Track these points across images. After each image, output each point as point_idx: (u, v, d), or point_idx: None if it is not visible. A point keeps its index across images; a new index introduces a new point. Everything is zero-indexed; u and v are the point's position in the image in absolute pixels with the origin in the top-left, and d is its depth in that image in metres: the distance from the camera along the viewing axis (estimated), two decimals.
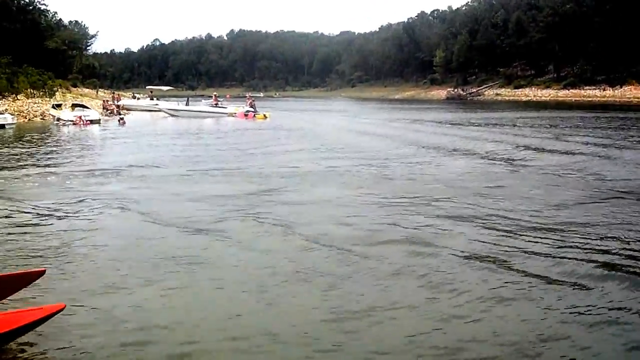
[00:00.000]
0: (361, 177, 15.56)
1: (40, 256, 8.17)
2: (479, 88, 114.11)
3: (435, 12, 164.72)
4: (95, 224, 10.20)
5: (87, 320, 6.10)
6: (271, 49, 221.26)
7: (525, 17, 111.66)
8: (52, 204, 11.78)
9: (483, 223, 10.07)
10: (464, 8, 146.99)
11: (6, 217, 10.59)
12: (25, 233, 9.50)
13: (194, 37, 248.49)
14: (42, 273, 6.11)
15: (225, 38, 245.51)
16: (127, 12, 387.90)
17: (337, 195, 12.81)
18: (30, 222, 10.38)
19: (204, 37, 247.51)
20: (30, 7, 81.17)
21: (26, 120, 40.54)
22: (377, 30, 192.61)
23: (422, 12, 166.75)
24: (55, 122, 38.39)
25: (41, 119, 41.51)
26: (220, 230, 9.67)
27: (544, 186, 13.81)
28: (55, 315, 5.32)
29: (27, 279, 6.08)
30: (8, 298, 6.01)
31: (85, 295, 6.75)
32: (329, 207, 11.59)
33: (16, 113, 40.03)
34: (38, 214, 10.97)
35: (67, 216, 10.75)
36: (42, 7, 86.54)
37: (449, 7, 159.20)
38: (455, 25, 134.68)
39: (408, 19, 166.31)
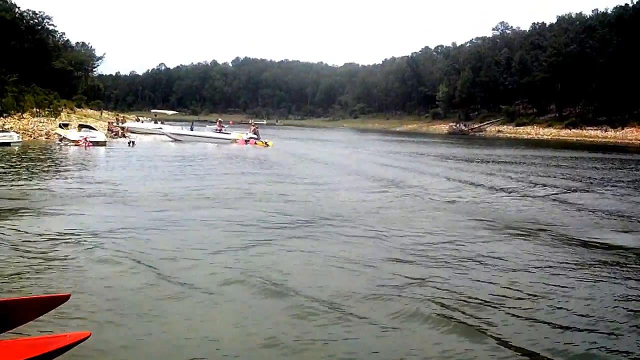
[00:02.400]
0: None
1: (64, 279, 8.05)
2: (481, 124, 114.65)
3: (439, 47, 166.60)
4: (116, 248, 10.00)
5: (112, 349, 5.97)
6: (275, 78, 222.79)
7: (529, 57, 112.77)
8: (73, 228, 11.68)
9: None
10: (467, 45, 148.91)
11: (25, 240, 10.52)
12: (44, 257, 9.31)
13: (199, 63, 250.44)
14: (66, 298, 6.02)
15: (230, 65, 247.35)
16: (134, 35, 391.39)
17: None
18: (52, 245, 10.20)
19: (209, 63, 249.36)
20: (39, 27, 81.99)
21: (31, 138, 40.60)
22: (381, 63, 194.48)
23: (426, 47, 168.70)
24: (59, 141, 38.40)
25: (46, 138, 41.56)
26: (240, 251, 9.70)
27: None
28: (80, 343, 5.21)
29: (51, 303, 5.99)
30: (30, 322, 5.92)
31: (111, 323, 6.63)
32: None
33: (21, 131, 40.14)
34: (60, 239, 10.75)
35: (84, 240, 10.61)
36: (51, 27, 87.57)
37: (453, 43, 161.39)
38: (459, 61, 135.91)
39: (412, 53, 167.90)
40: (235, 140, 48.30)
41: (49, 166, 24.69)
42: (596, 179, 26.54)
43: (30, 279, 7.99)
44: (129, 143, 39.88)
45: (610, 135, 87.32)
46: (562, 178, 26.29)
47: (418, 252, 10.47)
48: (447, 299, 7.82)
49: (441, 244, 11.21)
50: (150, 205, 14.97)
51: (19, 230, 11.17)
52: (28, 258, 9.13)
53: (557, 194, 20.20)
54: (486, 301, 7.78)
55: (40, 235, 10.78)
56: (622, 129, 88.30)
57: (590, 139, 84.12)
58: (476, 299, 7.87)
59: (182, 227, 12.10)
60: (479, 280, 8.77)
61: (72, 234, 10.98)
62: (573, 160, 40.59)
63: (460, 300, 7.80)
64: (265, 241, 10.95)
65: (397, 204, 16.81)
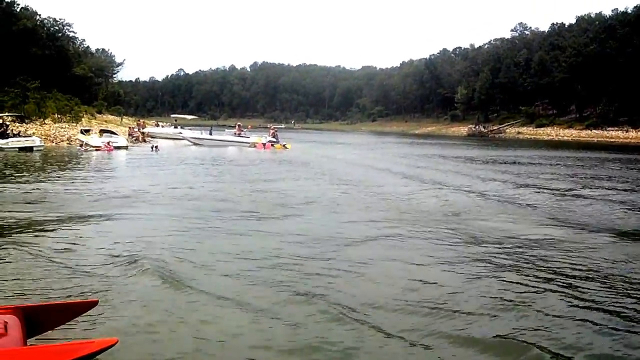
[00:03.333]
0: None
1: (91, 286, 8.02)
2: (500, 126, 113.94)
3: (457, 49, 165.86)
4: (146, 253, 9.77)
5: (139, 356, 5.95)
6: (293, 82, 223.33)
7: (548, 57, 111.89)
8: (101, 232, 11.78)
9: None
10: (486, 46, 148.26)
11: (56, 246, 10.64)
12: (71, 262, 9.28)
13: (217, 68, 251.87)
14: (94, 304, 6.06)
15: (249, 70, 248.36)
16: (153, 42, 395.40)
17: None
18: (81, 250, 10.22)
19: (227, 68, 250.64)
20: (60, 34, 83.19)
21: (53, 144, 41.06)
22: (399, 65, 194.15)
23: (444, 49, 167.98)
24: (79, 147, 38.64)
25: (68, 143, 41.96)
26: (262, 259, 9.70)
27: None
28: (107, 350, 5.22)
29: (79, 308, 6.04)
30: (58, 327, 5.96)
31: (138, 330, 6.57)
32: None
33: (44, 137, 40.61)
34: (89, 244, 10.75)
35: (112, 246, 10.54)
36: (71, 34, 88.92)
37: (471, 44, 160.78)
38: (477, 63, 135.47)
39: (430, 55, 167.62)
40: (254, 144, 48.48)
41: (74, 170, 24.90)
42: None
43: (57, 284, 7.97)
44: (152, 147, 40.02)
45: (632, 135, 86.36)
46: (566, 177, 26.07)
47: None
48: None
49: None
50: (178, 206, 15.12)
51: (48, 236, 11.23)
52: (55, 262, 9.13)
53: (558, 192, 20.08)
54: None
55: (68, 240, 10.84)
56: None
57: (612, 140, 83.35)
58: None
59: (216, 233, 11.97)
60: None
61: (101, 239, 11.00)
62: (587, 160, 40.16)
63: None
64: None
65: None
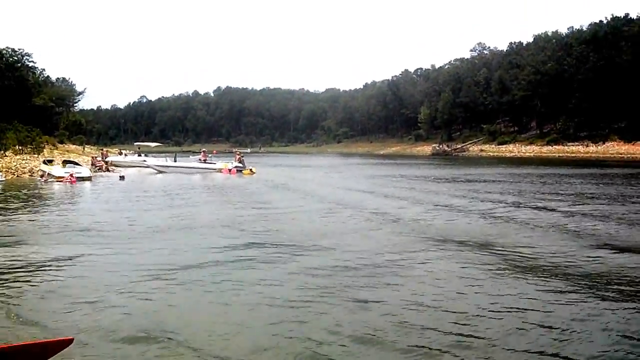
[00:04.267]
0: None
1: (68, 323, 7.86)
2: (463, 144, 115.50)
3: (419, 70, 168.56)
4: (122, 289, 9.66)
5: None
6: (257, 106, 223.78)
7: (507, 76, 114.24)
8: (72, 265, 11.55)
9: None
10: (446, 67, 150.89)
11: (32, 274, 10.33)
12: (42, 297, 9.16)
13: (180, 94, 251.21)
14: (69, 342, 5.89)
15: (212, 94, 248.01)
16: (114, 69, 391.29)
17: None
18: (54, 284, 10.05)
19: (190, 94, 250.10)
20: (19, 64, 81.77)
21: (14, 176, 40.15)
22: (362, 87, 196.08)
23: (406, 70, 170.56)
24: (40, 177, 37.81)
25: (30, 175, 41.10)
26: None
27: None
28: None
29: (54, 347, 5.84)
30: None
31: None
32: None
33: (4, 169, 39.73)
34: (62, 277, 10.61)
35: (87, 279, 10.42)
36: (30, 64, 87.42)
37: (432, 65, 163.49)
38: (439, 83, 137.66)
39: (392, 76, 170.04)
40: (220, 170, 48.22)
41: (38, 203, 24.39)
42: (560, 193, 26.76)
43: (28, 324, 7.76)
44: (120, 177, 39.36)
45: (592, 150, 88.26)
46: (520, 194, 26.45)
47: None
48: None
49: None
50: (143, 239, 14.86)
51: (16, 267, 11.03)
52: (28, 298, 8.99)
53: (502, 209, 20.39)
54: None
55: (35, 272, 10.68)
56: (604, 143, 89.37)
57: (572, 155, 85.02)
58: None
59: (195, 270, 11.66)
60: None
61: (73, 272, 10.86)
62: (547, 176, 40.81)
63: None
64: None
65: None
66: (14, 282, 10.13)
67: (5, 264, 11.50)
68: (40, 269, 11.21)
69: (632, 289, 9.50)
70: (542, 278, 10.19)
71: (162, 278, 10.31)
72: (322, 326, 7.69)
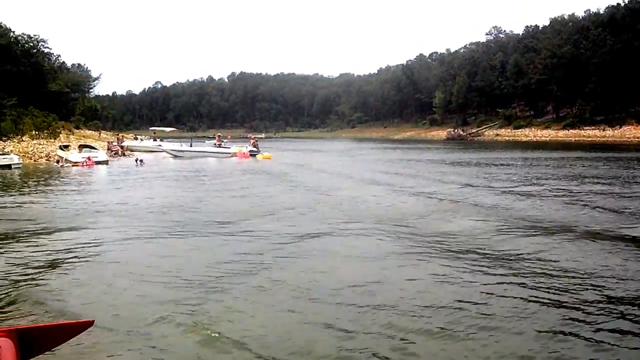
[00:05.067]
0: None
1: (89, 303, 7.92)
2: (478, 128, 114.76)
3: (434, 54, 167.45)
4: (143, 270, 9.65)
5: None
6: (271, 91, 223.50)
7: (523, 59, 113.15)
8: (94, 247, 11.67)
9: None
10: (462, 50, 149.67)
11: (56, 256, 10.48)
12: (63, 279, 9.20)
13: (195, 80, 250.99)
14: (90, 324, 5.93)
15: (226, 80, 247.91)
16: (130, 55, 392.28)
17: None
18: (80, 264, 10.18)
19: (205, 80, 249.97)
20: (34, 50, 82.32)
21: (32, 161, 40.59)
22: (376, 72, 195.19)
23: (421, 55, 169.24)
24: (56, 163, 38.15)
25: (46, 160, 41.52)
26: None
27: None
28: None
29: (74, 329, 5.84)
30: (54, 349, 5.82)
31: (136, 350, 6.46)
32: None
33: (21, 154, 40.14)
34: (85, 259, 10.67)
35: (111, 261, 10.48)
36: (46, 50, 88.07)
37: (447, 49, 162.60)
38: (454, 67, 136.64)
39: (407, 61, 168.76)
40: (235, 154, 48.40)
41: (60, 186, 24.64)
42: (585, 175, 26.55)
43: (51, 305, 7.81)
44: (136, 160, 39.43)
45: (609, 134, 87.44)
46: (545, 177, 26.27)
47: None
48: None
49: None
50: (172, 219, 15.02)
51: (41, 251, 11.15)
52: (48, 280, 9.04)
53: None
54: None
55: (58, 256, 10.74)
56: (620, 127, 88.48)
57: (589, 139, 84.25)
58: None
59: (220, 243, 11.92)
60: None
61: (96, 254, 10.94)
62: (559, 160, 40.49)
63: None
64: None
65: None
66: (43, 268, 10.11)
67: (34, 245, 11.72)
68: (67, 253, 11.22)
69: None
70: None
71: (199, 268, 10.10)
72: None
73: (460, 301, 7.79)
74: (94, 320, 5.98)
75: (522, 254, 10.65)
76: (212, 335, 6.73)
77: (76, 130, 72.04)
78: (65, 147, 42.40)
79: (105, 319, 7.09)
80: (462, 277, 9.02)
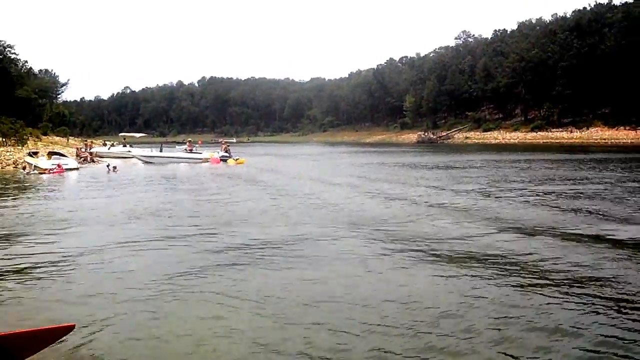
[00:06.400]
0: None
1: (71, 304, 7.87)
2: (448, 132, 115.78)
3: (404, 58, 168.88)
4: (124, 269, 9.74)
5: None
6: (242, 95, 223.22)
7: (492, 63, 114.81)
8: (69, 253, 11.43)
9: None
10: (431, 54, 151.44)
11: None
12: (41, 284, 9.10)
13: (164, 84, 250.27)
14: (71, 328, 5.86)
15: (197, 85, 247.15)
16: (98, 60, 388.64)
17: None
18: (51, 271, 10.00)
19: (175, 84, 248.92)
20: (1, 57, 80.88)
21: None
22: (347, 76, 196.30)
23: (391, 59, 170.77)
24: (22, 170, 37.29)
25: (14, 167, 40.70)
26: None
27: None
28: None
29: (55, 334, 5.79)
30: (35, 354, 5.71)
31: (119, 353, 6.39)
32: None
33: None
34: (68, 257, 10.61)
35: (86, 265, 10.40)
36: (13, 56, 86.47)
37: (417, 53, 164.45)
38: (424, 71, 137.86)
39: (377, 65, 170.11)
40: (207, 160, 48.03)
41: (30, 194, 24.13)
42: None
43: (30, 310, 7.74)
44: (108, 167, 38.30)
45: (576, 136, 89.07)
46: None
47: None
48: None
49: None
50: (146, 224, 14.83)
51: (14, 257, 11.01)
52: (27, 286, 8.98)
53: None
54: None
55: (36, 261, 10.63)
56: (587, 129, 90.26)
57: (557, 141, 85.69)
58: None
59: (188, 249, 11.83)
60: None
61: (73, 260, 10.79)
62: (526, 162, 41.07)
63: None
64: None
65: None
66: (18, 273, 10.01)
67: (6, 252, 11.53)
68: (41, 259, 11.02)
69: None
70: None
71: (166, 268, 10.20)
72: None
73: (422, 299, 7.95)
74: (74, 325, 5.91)
75: (478, 252, 10.95)
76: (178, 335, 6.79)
77: (44, 137, 70.88)
78: (34, 154, 41.62)
79: (84, 324, 7.05)
80: (424, 275, 9.30)
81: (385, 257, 10.67)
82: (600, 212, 15.77)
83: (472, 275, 9.27)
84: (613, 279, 8.84)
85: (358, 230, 13.51)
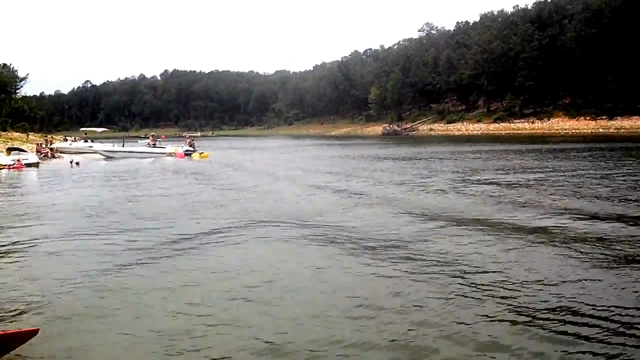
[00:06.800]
0: None
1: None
2: (413, 124, 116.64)
3: (368, 51, 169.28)
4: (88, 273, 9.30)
5: None
6: (206, 89, 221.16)
7: (455, 55, 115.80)
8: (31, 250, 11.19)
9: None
10: (395, 47, 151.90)
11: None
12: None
13: (126, 78, 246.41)
14: (35, 332, 5.67)
15: (159, 78, 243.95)
16: (58, 53, 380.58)
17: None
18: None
19: (136, 78, 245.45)
20: None
21: None
22: (312, 68, 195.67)
23: (355, 51, 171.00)
24: None
25: None
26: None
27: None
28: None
29: (18, 338, 5.60)
30: None
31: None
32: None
33: None
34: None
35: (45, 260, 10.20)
36: None
37: (381, 46, 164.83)
38: (388, 64, 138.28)
39: (342, 57, 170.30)
40: (171, 154, 47.52)
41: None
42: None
43: None
44: (71, 162, 37.97)
45: (538, 126, 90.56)
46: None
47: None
48: None
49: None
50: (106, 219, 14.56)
51: None
52: None
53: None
54: None
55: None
56: (549, 119, 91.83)
57: (519, 132, 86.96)
58: None
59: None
60: None
61: (36, 258, 10.56)
62: (487, 153, 41.69)
63: None
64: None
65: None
66: None
67: None
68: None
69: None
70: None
71: (131, 261, 10.11)
72: None
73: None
74: (38, 329, 5.74)
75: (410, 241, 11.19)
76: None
77: (3, 133, 69.36)
78: None
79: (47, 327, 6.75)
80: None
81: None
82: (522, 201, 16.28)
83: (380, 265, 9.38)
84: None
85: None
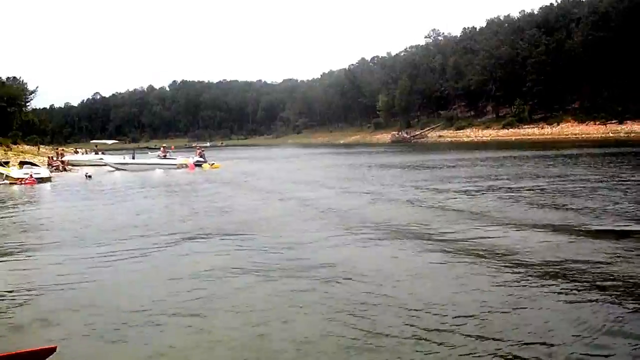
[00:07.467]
0: None
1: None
2: (422, 130, 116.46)
3: (375, 58, 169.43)
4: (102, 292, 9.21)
5: None
6: (214, 99, 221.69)
7: (462, 61, 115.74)
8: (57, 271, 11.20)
9: None
10: (402, 54, 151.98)
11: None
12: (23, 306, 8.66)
13: (135, 89, 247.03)
14: (52, 350, 5.67)
15: (168, 89, 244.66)
16: (67, 66, 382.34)
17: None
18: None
19: (145, 89, 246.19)
20: None
21: None
22: (320, 77, 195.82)
23: (363, 59, 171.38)
24: None
25: None
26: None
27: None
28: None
29: (35, 357, 5.62)
30: None
31: None
32: None
33: None
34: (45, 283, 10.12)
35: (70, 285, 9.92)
36: None
37: (388, 53, 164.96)
38: (395, 71, 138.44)
39: (349, 65, 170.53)
40: (182, 165, 47.58)
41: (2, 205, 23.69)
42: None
43: (8, 334, 7.36)
44: (87, 176, 38.17)
45: (547, 131, 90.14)
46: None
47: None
48: None
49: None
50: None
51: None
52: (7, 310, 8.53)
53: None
54: None
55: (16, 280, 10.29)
56: (558, 125, 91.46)
57: (529, 137, 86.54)
58: None
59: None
60: None
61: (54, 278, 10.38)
62: (499, 159, 41.43)
63: None
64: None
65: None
66: None
67: None
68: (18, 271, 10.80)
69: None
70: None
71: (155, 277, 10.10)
72: None
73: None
74: (56, 347, 5.72)
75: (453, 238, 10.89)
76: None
77: (14, 146, 69.74)
78: (5, 164, 40.82)
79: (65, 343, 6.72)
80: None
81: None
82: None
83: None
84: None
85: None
